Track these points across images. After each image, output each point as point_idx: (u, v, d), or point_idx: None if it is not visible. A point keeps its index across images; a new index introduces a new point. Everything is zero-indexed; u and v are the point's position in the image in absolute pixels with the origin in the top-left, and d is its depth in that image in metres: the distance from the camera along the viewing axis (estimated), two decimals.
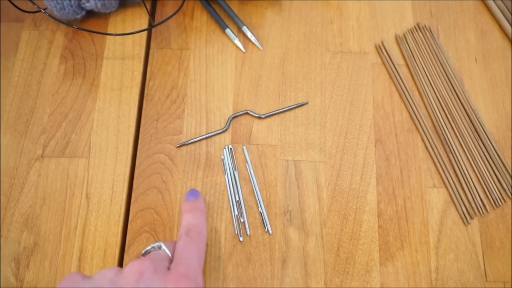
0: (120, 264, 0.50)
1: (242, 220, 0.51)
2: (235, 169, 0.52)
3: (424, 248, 0.50)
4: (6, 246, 0.50)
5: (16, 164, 0.53)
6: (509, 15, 0.58)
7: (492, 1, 0.59)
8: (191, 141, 0.54)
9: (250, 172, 0.52)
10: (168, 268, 0.41)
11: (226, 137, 0.54)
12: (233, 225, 0.50)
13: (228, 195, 0.52)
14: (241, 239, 0.50)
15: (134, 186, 0.52)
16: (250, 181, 0.52)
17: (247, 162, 0.53)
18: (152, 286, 0.37)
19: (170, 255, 0.42)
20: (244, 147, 0.53)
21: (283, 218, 0.51)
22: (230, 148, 0.53)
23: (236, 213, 0.51)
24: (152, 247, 0.43)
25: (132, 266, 0.39)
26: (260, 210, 0.51)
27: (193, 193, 0.49)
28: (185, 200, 0.49)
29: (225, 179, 0.52)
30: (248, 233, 0.50)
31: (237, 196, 0.51)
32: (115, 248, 0.50)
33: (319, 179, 0.52)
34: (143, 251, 0.43)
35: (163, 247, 0.42)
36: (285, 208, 0.51)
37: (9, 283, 0.49)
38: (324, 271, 0.49)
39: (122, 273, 0.39)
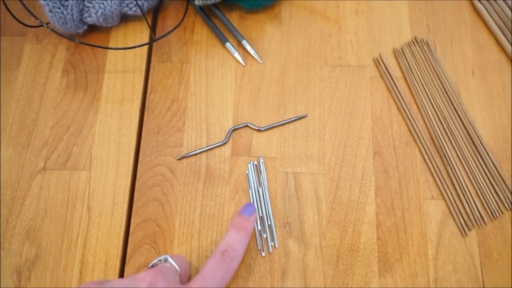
0: (121, 276, 0.50)
1: (265, 236, 0.51)
2: (260, 185, 0.53)
3: (423, 259, 0.50)
4: (8, 258, 0.50)
5: (18, 176, 0.54)
6: (505, 29, 0.59)
7: (488, 16, 0.60)
8: (191, 153, 0.54)
9: (263, 184, 0.53)
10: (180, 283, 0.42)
11: (226, 149, 0.55)
12: (256, 240, 0.51)
13: None
14: (263, 254, 0.50)
15: (135, 198, 0.53)
16: (262, 194, 0.53)
17: (261, 173, 0.53)
18: None
19: (177, 268, 0.42)
20: (261, 159, 0.54)
21: (282, 230, 0.51)
22: (255, 164, 0.54)
23: (259, 228, 0.51)
24: (158, 260, 0.43)
25: (146, 275, 0.39)
26: (269, 223, 0.51)
27: (249, 209, 0.48)
28: (238, 213, 0.48)
29: (249, 193, 0.53)
30: (271, 250, 0.50)
31: (260, 212, 0.52)
32: (116, 260, 0.50)
33: (318, 191, 0.53)
34: (149, 265, 0.43)
35: (170, 260, 0.42)
36: (284, 220, 0.52)
37: None
38: (324, 282, 0.49)
39: (136, 279, 0.39)
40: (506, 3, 0.61)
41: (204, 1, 0.58)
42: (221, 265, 0.43)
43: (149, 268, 0.43)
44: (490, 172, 0.53)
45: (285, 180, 0.53)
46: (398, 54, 0.59)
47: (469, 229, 0.51)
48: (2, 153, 0.55)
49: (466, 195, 0.52)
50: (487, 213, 0.52)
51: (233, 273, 0.45)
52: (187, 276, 0.46)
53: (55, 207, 0.52)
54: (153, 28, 0.61)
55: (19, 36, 0.61)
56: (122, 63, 0.59)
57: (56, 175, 0.54)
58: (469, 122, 0.55)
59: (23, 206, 0.52)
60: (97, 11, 0.56)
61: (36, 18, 0.55)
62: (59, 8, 0.55)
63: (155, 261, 0.43)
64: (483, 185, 0.53)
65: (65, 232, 0.51)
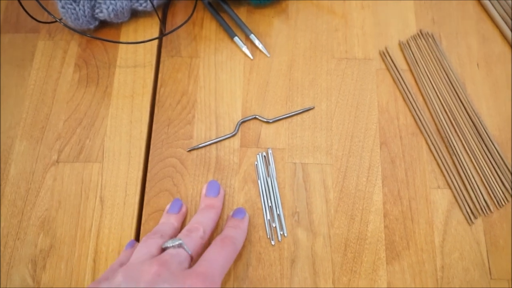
0: None
1: (274, 225, 0.52)
2: (268, 176, 0.54)
3: (430, 247, 0.51)
4: (23, 248, 0.52)
5: (33, 169, 0.55)
6: (510, 21, 0.60)
7: (493, 8, 0.61)
8: (201, 145, 0.55)
9: (272, 175, 0.54)
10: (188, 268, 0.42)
11: (235, 141, 0.56)
12: (265, 229, 0.52)
13: (260, 200, 0.53)
14: (272, 243, 0.51)
15: (146, 189, 0.54)
16: (271, 184, 0.54)
17: (269, 165, 0.54)
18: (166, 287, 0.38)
19: (190, 253, 0.43)
20: (270, 150, 0.55)
21: (291, 219, 0.52)
22: (264, 155, 0.55)
23: (268, 217, 0.52)
24: (172, 246, 0.43)
25: (151, 266, 0.40)
26: (278, 212, 0.52)
27: (240, 212, 0.51)
28: (230, 217, 0.51)
29: (258, 184, 0.54)
30: (280, 238, 0.51)
31: (269, 202, 0.53)
32: None
33: (326, 181, 0.54)
34: (163, 246, 0.43)
35: (184, 245, 0.43)
36: (293, 210, 0.52)
37: (26, 284, 0.50)
38: (332, 270, 0.50)
39: (140, 271, 0.39)
40: None
41: None
42: (221, 249, 0.44)
43: (162, 248, 0.43)
44: (495, 162, 0.54)
45: (293, 170, 0.54)
46: (403, 47, 0.60)
47: (475, 217, 0.52)
48: (16, 147, 0.56)
49: (472, 184, 0.53)
50: (493, 201, 0.53)
51: (234, 257, 0.46)
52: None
53: (69, 199, 0.54)
54: (163, 23, 0.62)
55: (32, 33, 0.62)
56: (133, 58, 0.60)
57: (69, 167, 0.55)
58: (475, 113, 0.56)
59: (37, 197, 0.54)
60: (108, 7, 0.57)
61: (49, 13, 0.56)
62: (71, 4, 0.56)
63: (169, 244, 0.43)
64: (489, 174, 0.53)
65: (78, 222, 0.53)
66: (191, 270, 0.41)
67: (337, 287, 0.49)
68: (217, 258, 0.43)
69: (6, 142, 0.56)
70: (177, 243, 0.43)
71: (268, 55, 0.60)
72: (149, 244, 0.44)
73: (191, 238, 0.45)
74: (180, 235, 0.45)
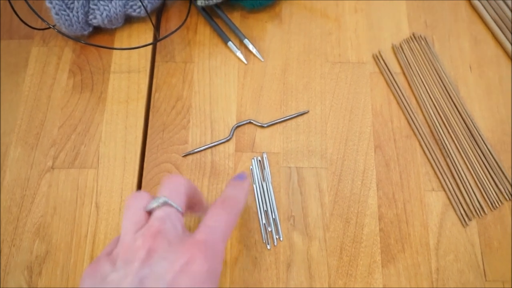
0: None
1: (269, 229, 0.52)
2: (264, 180, 0.54)
3: (425, 249, 0.51)
4: (19, 255, 0.51)
5: (28, 175, 0.55)
6: (502, 24, 0.60)
7: (485, 11, 0.62)
8: (196, 150, 0.55)
9: (267, 179, 0.54)
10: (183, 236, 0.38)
11: (230, 146, 0.56)
12: (261, 233, 0.52)
13: (256, 204, 0.53)
14: (268, 247, 0.51)
15: None
16: (266, 189, 0.54)
17: (264, 169, 0.54)
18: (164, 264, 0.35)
19: (180, 209, 0.39)
20: (265, 155, 0.55)
21: (287, 223, 0.52)
22: (259, 160, 0.55)
23: (264, 222, 0.52)
24: (156, 205, 0.38)
25: (144, 242, 0.35)
26: (273, 216, 0.52)
27: (240, 176, 0.47)
28: (231, 180, 0.47)
29: (253, 188, 0.54)
30: (276, 243, 0.52)
31: (265, 206, 0.53)
32: None
33: (321, 185, 0.54)
34: (147, 208, 0.38)
35: (170, 202, 0.38)
36: (288, 214, 0.53)
37: None
38: (328, 273, 0.50)
39: (133, 250, 0.36)
40: None
41: (206, 2, 0.60)
42: (222, 211, 0.41)
43: (147, 211, 0.38)
44: (489, 164, 0.54)
45: (289, 174, 0.54)
46: (397, 50, 0.60)
47: (470, 219, 0.52)
48: (11, 153, 0.56)
49: (466, 186, 0.53)
50: (487, 203, 0.53)
51: (237, 219, 0.42)
52: (199, 197, 0.44)
53: (64, 205, 0.54)
54: (157, 29, 0.63)
55: (26, 39, 0.62)
56: (127, 63, 0.60)
57: (65, 173, 0.55)
58: (468, 115, 0.56)
59: (32, 204, 0.54)
60: (102, 13, 0.57)
61: (43, 20, 0.56)
62: (65, 11, 0.56)
63: (154, 205, 0.38)
64: (483, 176, 0.54)
65: (74, 228, 0.53)
66: (190, 239, 0.37)
67: None
68: (219, 222, 0.39)
69: (1, 149, 0.56)
70: (161, 201, 0.38)
71: (262, 60, 0.60)
72: (133, 213, 0.39)
73: (175, 194, 0.40)
74: (161, 194, 0.40)
